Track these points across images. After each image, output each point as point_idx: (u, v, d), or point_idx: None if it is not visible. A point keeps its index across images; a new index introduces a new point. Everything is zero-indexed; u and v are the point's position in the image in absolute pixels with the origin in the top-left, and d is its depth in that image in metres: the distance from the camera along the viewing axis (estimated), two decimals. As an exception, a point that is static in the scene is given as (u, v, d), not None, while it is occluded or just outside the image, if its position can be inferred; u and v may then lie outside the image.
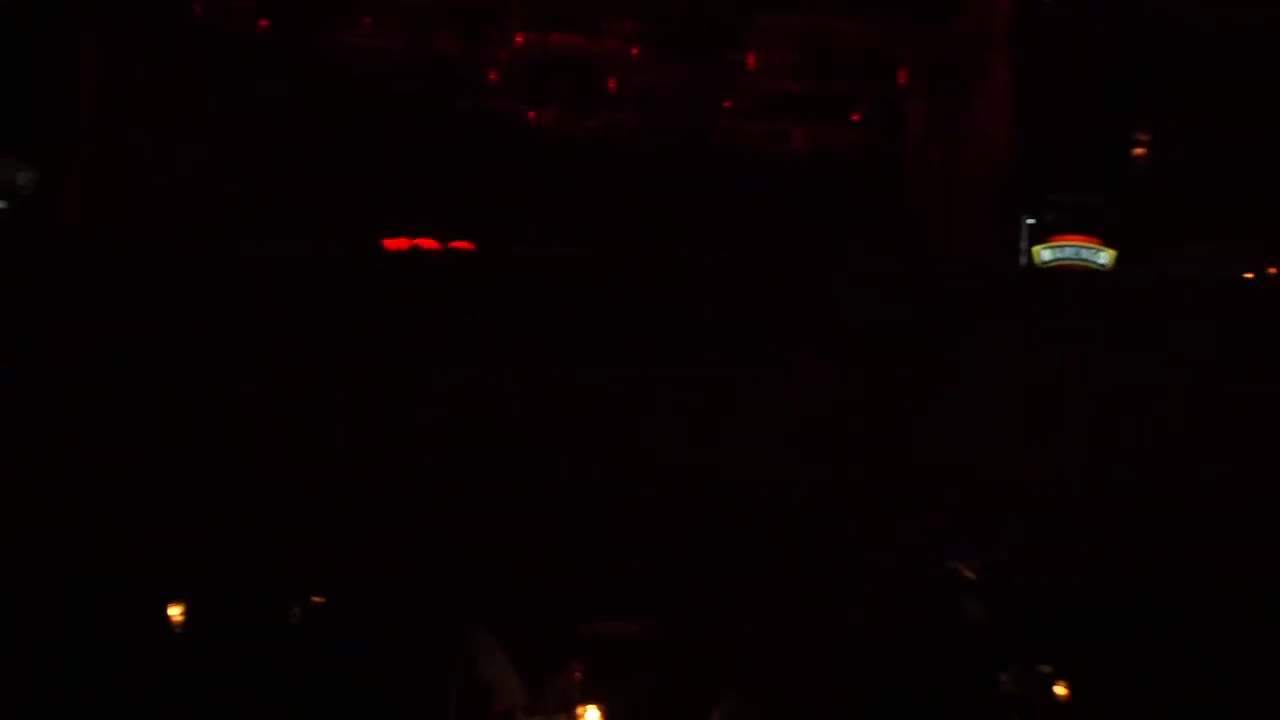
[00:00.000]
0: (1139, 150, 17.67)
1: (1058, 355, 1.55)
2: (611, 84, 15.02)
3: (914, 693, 3.66)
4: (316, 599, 4.48)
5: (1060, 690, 3.88)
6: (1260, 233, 15.50)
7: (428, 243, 11.11)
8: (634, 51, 14.93)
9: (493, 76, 15.05)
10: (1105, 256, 13.08)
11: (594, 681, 3.96)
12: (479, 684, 4.11)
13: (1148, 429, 1.62)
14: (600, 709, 3.90)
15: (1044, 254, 13.07)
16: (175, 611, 4.54)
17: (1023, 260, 13.08)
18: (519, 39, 14.92)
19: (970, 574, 4.99)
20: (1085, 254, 13.07)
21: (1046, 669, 4.03)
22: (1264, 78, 16.49)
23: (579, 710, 3.92)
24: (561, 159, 14.34)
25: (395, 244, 10.78)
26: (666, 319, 1.69)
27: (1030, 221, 13.11)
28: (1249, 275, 15.23)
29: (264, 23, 14.45)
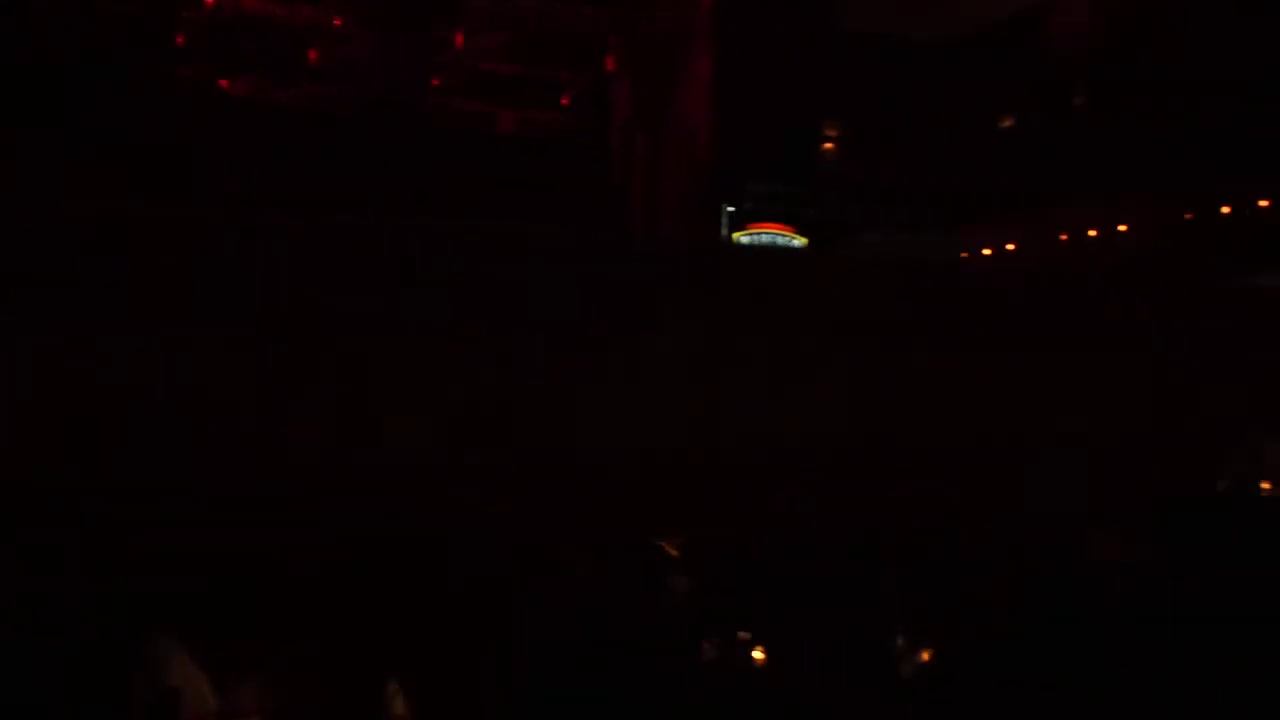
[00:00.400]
0: (829, 145, 18.84)
1: (734, 328, 1.54)
2: (313, 55, 14.23)
3: (617, 665, 3.64)
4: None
5: (759, 655, 4.01)
6: (938, 222, 16.93)
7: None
8: (336, 22, 14.22)
9: (180, 40, 13.88)
10: (799, 244, 13.84)
11: (281, 682, 3.68)
12: (165, 692, 3.74)
13: (819, 398, 1.65)
14: (288, 710, 3.64)
15: (742, 240, 13.65)
16: None
17: (724, 247, 13.59)
18: (208, 0, 13.84)
19: (673, 550, 5.06)
20: (780, 241, 13.77)
21: (745, 635, 4.14)
22: (932, 84, 18.02)
23: (261, 713, 3.63)
24: (256, 129, 13.45)
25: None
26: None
27: (730, 209, 13.64)
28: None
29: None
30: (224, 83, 13.85)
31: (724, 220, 13.59)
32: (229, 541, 1.67)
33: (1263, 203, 13.10)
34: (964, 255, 16.48)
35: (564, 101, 15.22)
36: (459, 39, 14.28)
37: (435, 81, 14.56)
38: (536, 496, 1.68)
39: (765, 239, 13.56)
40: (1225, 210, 13.49)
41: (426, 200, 13.52)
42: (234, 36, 13.73)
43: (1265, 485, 6.51)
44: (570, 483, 1.71)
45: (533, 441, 1.64)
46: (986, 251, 16.25)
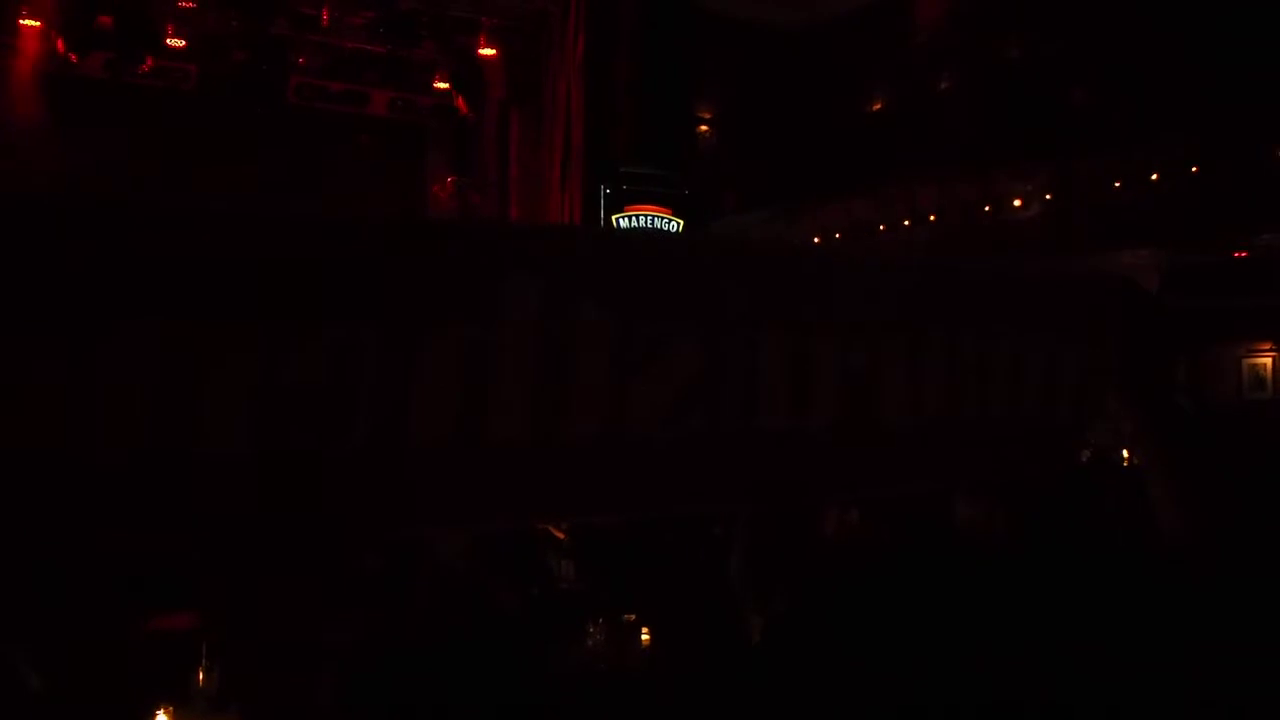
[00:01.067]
0: (704, 128, 18.99)
1: (578, 311, 1.49)
2: (169, 30, 13.60)
3: (499, 650, 3.57)
4: None
5: (644, 637, 4.02)
6: (811, 203, 17.28)
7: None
8: (192, -3, 13.60)
9: (24, 15, 13.08)
10: (676, 226, 13.88)
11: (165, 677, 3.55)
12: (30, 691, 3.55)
13: (665, 383, 1.62)
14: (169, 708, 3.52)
15: (620, 222, 13.62)
16: None
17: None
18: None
19: (559, 534, 5.04)
20: (658, 223, 13.79)
21: (631, 617, 4.14)
22: (800, 68, 18.35)
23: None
24: (109, 109, 12.84)
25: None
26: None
27: (607, 191, 13.60)
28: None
29: None
30: (74, 58, 13.13)
31: (601, 202, 13.54)
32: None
33: (1116, 184, 13.69)
34: (836, 236, 16.84)
35: (435, 82, 14.94)
36: (324, 17, 13.84)
37: (301, 61, 14.10)
38: (370, 488, 1.60)
39: (643, 221, 13.57)
40: (1085, 189, 14.07)
41: (291, 184, 13.13)
42: (83, 11, 13.01)
43: (1125, 454, 6.81)
44: (406, 473, 1.62)
45: (371, 432, 1.55)
46: (843, 233, 16.64)
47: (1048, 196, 14.48)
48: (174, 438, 1.47)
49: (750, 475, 1.97)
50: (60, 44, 12.92)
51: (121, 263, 1.45)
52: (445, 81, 14.73)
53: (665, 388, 1.81)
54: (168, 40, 13.45)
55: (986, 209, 15.15)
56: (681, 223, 13.92)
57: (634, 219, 13.66)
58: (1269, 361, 14.37)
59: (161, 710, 3.55)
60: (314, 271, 1.56)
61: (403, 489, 1.67)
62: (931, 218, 15.71)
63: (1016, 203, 14.84)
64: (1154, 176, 13.43)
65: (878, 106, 18.68)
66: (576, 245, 1.96)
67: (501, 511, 1.85)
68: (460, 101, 14.98)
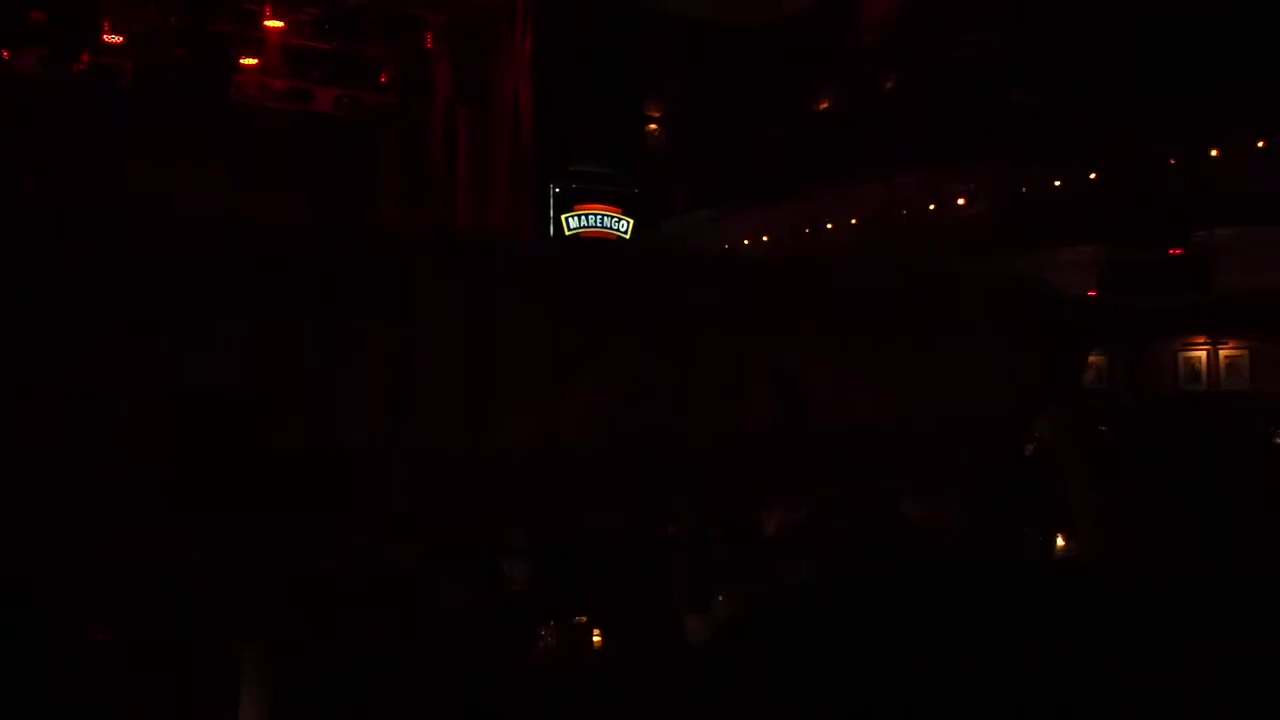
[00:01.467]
0: (653, 126, 19.01)
1: (504, 319, 1.48)
2: (106, 26, 13.32)
3: (450, 651, 3.58)
4: None
5: (596, 638, 4.03)
6: (761, 202, 17.40)
7: None
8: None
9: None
10: (626, 225, 13.89)
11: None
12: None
13: (595, 392, 1.62)
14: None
15: (570, 222, 13.60)
16: None
17: (551, 228, 13.54)
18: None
19: (518, 540, 5.02)
20: (608, 222, 13.79)
21: (582, 619, 4.15)
22: (749, 67, 18.44)
23: None
24: (45, 107, 12.56)
25: None
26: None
27: (557, 190, 13.57)
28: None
29: None
30: (4, 54, 12.83)
31: (551, 201, 13.50)
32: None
33: (1057, 183, 13.93)
34: (782, 236, 16.95)
35: (382, 79, 14.80)
36: (267, 13, 13.65)
37: (243, 58, 13.89)
38: (294, 495, 1.58)
39: (592, 220, 13.55)
40: (1025, 190, 14.30)
41: (235, 182, 12.94)
42: (14, 6, 12.71)
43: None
44: (328, 481, 1.61)
45: (288, 438, 1.53)
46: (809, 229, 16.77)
47: (990, 195, 14.70)
48: (88, 439, 1.45)
49: (686, 479, 1.98)
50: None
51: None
52: (392, 79, 14.60)
53: (598, 393, 1.81)
54: (105, 36, 13.18)
55: (932, 207, 15.34)
56: (632, 221, 13.93)
57: (584, 218, 13.64)
58: (1203, 355, 14.71)
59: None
60: (233, 273, 1.55)
61: (328, 494, 1.65)
62: (877, 216, 15.88)
63: (960, 201, 15.04)
64: (1093, 176, 13.69)
65: (825, 105, 18.83)
66: (507, 252, 1.96)
67: (430, 518, 1.84)
68: (408, 100, 14.85)
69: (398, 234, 2.13)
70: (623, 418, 1.87)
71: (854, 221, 16.27)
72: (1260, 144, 12.30)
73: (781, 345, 2.08)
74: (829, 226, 16.58)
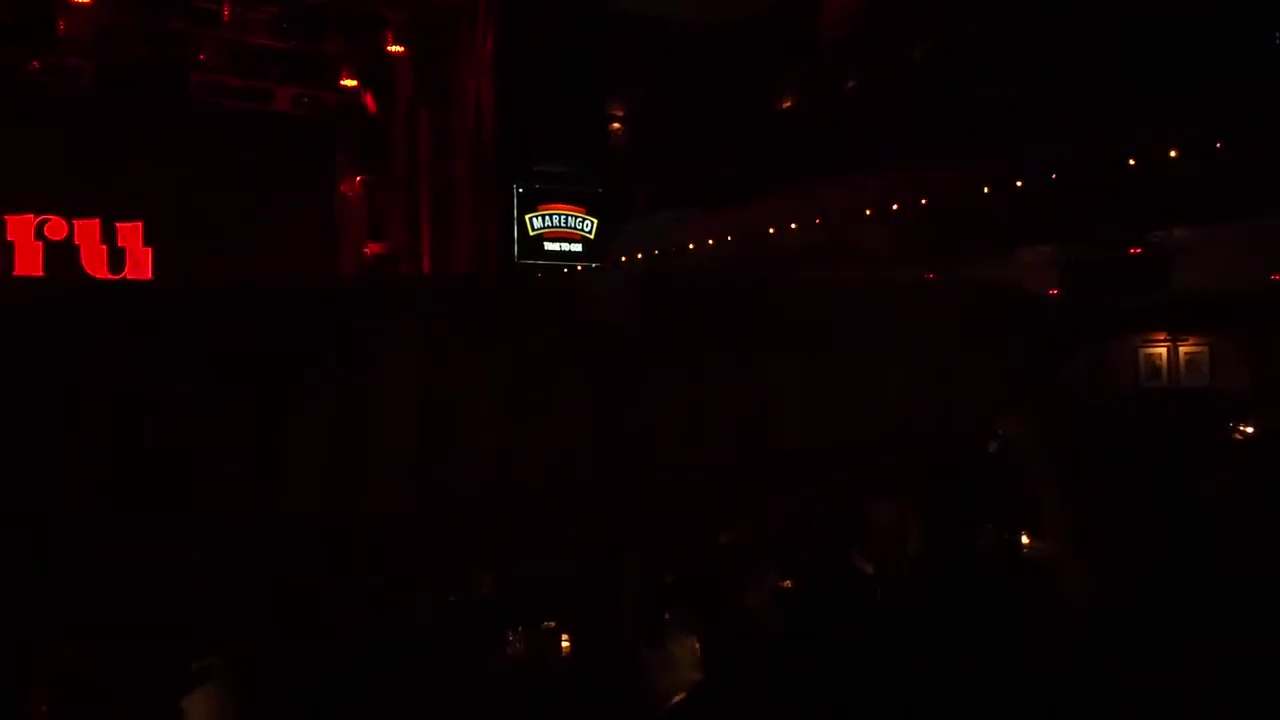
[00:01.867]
0: (616, 125, 18.98)
1: (457, 362, 1.44)
2: (61, 24, 13.08)
3: (419, 657, 3.55)
4: None
5: (565, 644, 4.01)
6: (725, 201, 17.41)
7: None
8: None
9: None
10: (590, 224, 13.85)
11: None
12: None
13: (553, 430, 1.59)
14: None
15: (534, 222, 13.54)
16: None
17: (515, 228, 13.49)
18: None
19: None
20: (572, 222, 13.75)
21: (550, 625, 4.13)
22: (711, 66, 18.46)
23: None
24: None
25: None
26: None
27: (520, 190, 13.51)
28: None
29: None
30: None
31: (514, 201, 13.44)
32: None
33: (1019, 182, 14.05)
34: (743, 238, 16.96)
35: (342, 78, 14.64)
36: (225, 11, 13.46)
37: (202, 57, 13.69)
38: (231, 544, 1.55)
39: (557, 220, 13.50)
40: (986, 190, 14.40)
41: (194, 183, 12.76)
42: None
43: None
44: (270, 529, 1.57)
45: (232, 488, 1.49)
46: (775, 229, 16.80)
47: (949, 195, 14.80)
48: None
49: (646, 515, 1.95)
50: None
51: None
52: (352, 78, 14.44)
53: (555, 436, 1.78)
54: (59, 35, 12.93)
55: (894, 208, 15.43)
56: (596, 221, 13.89)
57: (547, 218, 13.58)
58: (1164, 351, 14.91)
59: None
60: (190, 331, 1.51)
61: (282, 545, 1.62)
62: (840, 218, 15.94)
63: (923, 201, 15.14)
64: (1054, 176, 13.82)
65: (788, 104, 18.89)
66: (460, 297, 1.92)
67: (388, 566, 1.80)
68: (368, 99, 14.70)
69: (352, 287, 2.11)
70: (583, 459, 1.85)
71: (818, 221, 16.33)
72: (1218, 144, 12.47)
73: (745, 371, 2.06)
74: (793, 227, 16.62)
